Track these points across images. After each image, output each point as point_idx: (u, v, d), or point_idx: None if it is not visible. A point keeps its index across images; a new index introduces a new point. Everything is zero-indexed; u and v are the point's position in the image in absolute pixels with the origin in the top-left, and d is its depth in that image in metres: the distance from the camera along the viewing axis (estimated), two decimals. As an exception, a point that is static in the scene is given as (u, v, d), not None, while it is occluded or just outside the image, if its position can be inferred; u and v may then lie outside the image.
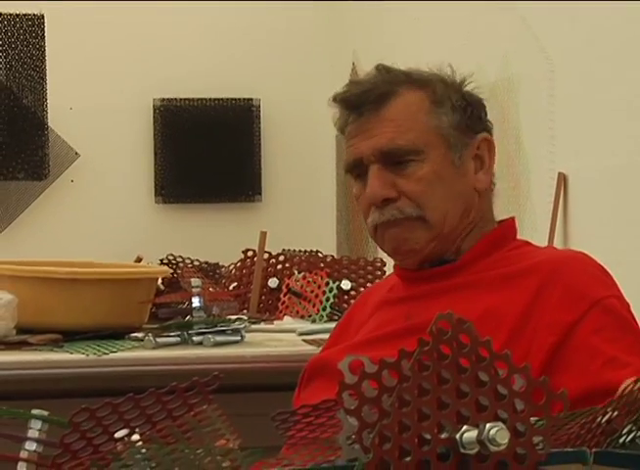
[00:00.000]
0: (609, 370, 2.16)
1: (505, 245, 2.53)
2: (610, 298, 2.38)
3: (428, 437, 1.20)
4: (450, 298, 2.40)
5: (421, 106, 2.49)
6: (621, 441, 1.44)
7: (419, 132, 2.46)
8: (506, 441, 1.19)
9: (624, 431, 1.44)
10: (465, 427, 1.19)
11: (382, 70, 2.56)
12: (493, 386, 1.23)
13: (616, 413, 1.46)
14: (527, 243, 2.62)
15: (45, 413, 1.78)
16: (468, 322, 1.25)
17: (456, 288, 2.45)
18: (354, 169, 2.51)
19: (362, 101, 2.49)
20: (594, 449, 1.40)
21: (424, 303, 2.44)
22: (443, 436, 1.20)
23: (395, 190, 2.44)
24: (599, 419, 1.47)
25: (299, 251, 4.90)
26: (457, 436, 1.19)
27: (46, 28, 13.05)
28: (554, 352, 2.23)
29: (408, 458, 1.19)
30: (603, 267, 2.47)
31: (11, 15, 12.91)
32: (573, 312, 2.17)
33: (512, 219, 2.64)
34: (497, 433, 1.19)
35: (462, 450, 1.19)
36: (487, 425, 1.19)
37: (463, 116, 2.51)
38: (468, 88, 2.59)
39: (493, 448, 1.19)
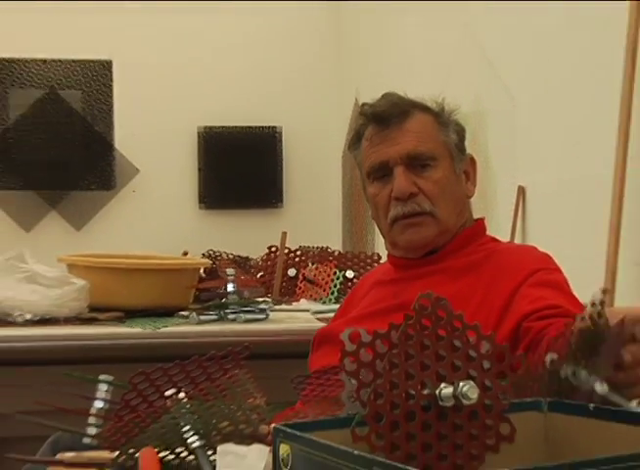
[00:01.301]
0: (531, 303, 2.20)
1: (476, 240, 2.55)
2: (549, 269, 2.42)
3: (413, 393, 1.20)
4: (429, 280, 2.41)
5: (433, 124, 2.52)
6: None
7: (435, 143, 2.49)
8: (476, 396, 1.19)
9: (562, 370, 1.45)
10: (443, 384, 1.19)
11: (391, 95, 2.61)
12: (465, 350, 1.22)
13: (556, 356, 1.45)
14: (493, 239, 2.64)
15: (110, 378, 1.77)
16: (444, 300, 1.25)
17: (434, 273, 2.46)
18: (378, 171, 2.51)
19: (389, 115, 2.50)
20: (548, 399, 1.39)
21: (408, 284, 2.46)
22: (426, 392, 1.20)
23: (417, 188, 2.45)
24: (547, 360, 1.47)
25: (312, 247, 4.90)
26: (437, 392, 1.19)
27: (113, 71, 13.05)
28: (503, 313, 2.26)
29: (397, 410, 1.18)
30: (549, 256, 2.48)
31: (86, 60, 12.95)
32: (516, 280, 2.17)
33: (482, 220, 2.68)
34: (468, 389, 1.19)
35: (441, 403, 1.19)
36: (461, 383, 1.19)
37: (459, 137, 2.57)
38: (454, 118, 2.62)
39: (466, 402, 1.19)
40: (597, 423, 1.31)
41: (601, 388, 1.44)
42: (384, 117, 2.51)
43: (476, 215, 2.72)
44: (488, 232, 2.68)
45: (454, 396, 1.19)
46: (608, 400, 1.42)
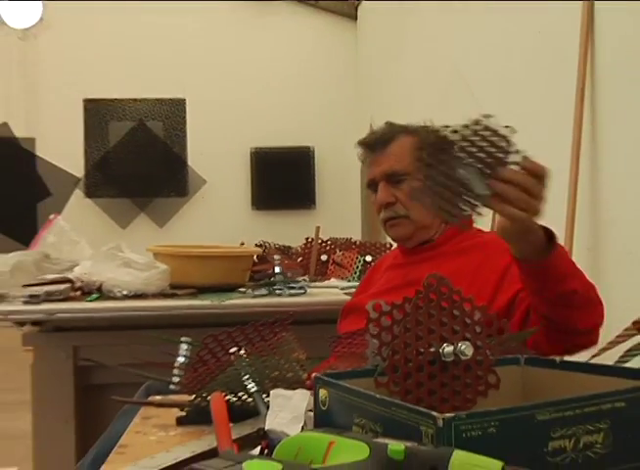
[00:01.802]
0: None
1: (464, 231, 2.52)
2: None
3: (422, 350, 1.19)
4: (431, 263, 2.42)
5: (410, 146, 2.49)
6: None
7: (408, 162, 2.46)
8: (470, 353, 1.18)
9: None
10: (445, 344, 1.18)
11: (387, 124, 2.64)
12: (462, 318, 1.21)
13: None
14: (479, 230, 2.64)
15: (189, 339, 1.77)
16: (446, 279, 1.24)
17: (434, 257, 2.47)
18: (371, 186, 2.54)
19: (375, 143, 2.54)
20: (525, 356, 1.39)
21: (414, 267, 2.47)
22: (432, 350, 1.18)
23: (394, 197, 2.47)
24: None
25: (339, 237, 4.90)
26: (440, 350, 1.18)
27: (186, 106, 13.07)
28: (499, 286, 2.25)
29: (410, 364, 1.17)
30: None
31: (166, 99, 12.97)
32: (506, 259, 2.15)
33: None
34: (465, 348, 1.17)
35: (443, 359, 1.18)
36: (459, 343, 1.18)
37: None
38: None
39: (462, 358, 1.17)
40: (563, 374, 1.31)
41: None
42: (371, 145, 2.56)
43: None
44: (475, 225, 2.69)
45: (454, 353, 1.18)
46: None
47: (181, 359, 1.79)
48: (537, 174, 1.76)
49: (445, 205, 1.52)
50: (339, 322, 2.59)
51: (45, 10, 13.09)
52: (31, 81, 12.99)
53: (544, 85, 5.50)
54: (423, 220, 2.49)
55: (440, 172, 1.51)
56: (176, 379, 1.78)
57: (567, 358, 1.34)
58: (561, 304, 1.79)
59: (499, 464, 0.92)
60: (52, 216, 4.03)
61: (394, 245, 2.83)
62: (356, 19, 12.94)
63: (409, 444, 0.95)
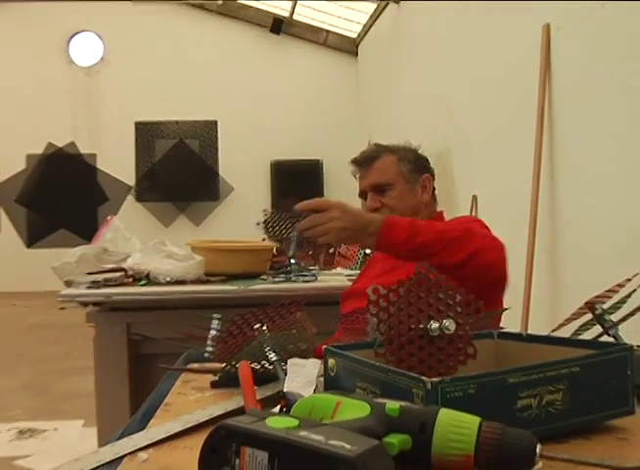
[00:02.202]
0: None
1: None
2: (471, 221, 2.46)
3: (413, 327, 1.17)
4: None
5: (392, 162, 2.57)
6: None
7: (391, 175, 2.54)
8: (453, 328, 1.16)
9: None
10: (432, 321, 1.17)
11: (374, 145, 2.67)
12: (446, 300, 1.20)
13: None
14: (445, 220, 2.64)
15: (219, 315, 1.76)
16: (432, 268, 1.22)
17: None
18: (362, 195, 2.61)
19: (362, 161, 2.61)
20: (497, 331, 1.38)
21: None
22: (421, 326, 1.17)
23: (380, 203, 2.53)
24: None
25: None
26: (428, 326, 1.17)
27: (218, 126, 13.08)
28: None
29: (403, 337, 1.16)
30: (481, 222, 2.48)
31: (201, 121, 13.01)
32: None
33: (441, 212, 2.69)
34: (449, 324, 1.16)
35: (431, 333, 1.16)
36: (444, 320, 1.16)
37: (414, 165, 2.60)
38: (420, 151, 2.69)
39: (446, 332, 1.16)
40: (529, 345, 1.31)
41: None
42: (359, 163, 2.61)
43: (445, 213, 2.71)
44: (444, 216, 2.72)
45: (439, 328, 1.16)
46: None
47: (213, 332, 1.79)
48: (317, 209, 1.95)
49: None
50: (341, 304, 2.58)
51: (105, 51, 13.14)
52: (93, 108, 13.02)
53: (511, 108, 5.48)
54: None
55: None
56: (209, 349, 1.78)
57: (531, 332, 1.33)
58: (421, 256, 1.89)
59: (478, 419, 0.93)
60: (109, 217, 4.03)
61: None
62: (357, 54, 12.95)
63: (403, 403, 0.95)
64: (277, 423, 0.80)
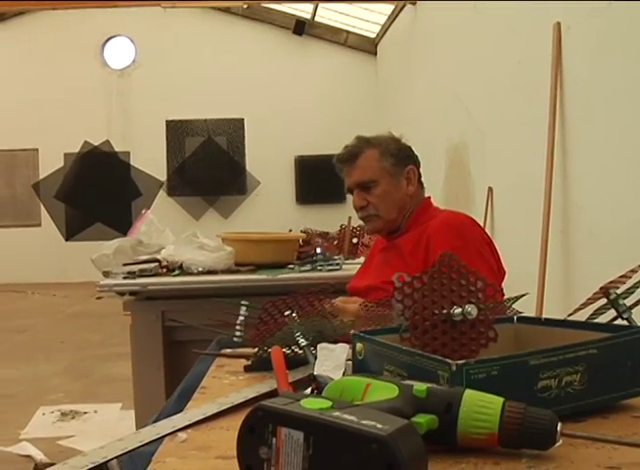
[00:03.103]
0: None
1: (424, 212, 2.52)
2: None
3: (436, 312, 1.17)
4: (402, 243, 2.45)
5: (374, 157, 2.50)
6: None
7: (374, 171, 2.49)
8: (475, 313, 1.16)
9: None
10: (455, 306, 1.17)
11: (356, 139, 2.57)
12: (468, 286, 1.19)
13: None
14: (437, 208, 2.60)
15: (247, 303, 1.77)
16: (455, 256, 1.21)
17: (404, 239, 2.46)
18: (350, 191, 2.55)
19: (346, 159, 2.54)
20: (517, 315, 1.37)
21: (393, 247, 2.50)
22: (444, 311, 1.17)
23: (366, 201, 2.49)
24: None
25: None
26: (451, 311, 1.16)
27: (245, 123, 13.10)
28: (425, 257, 2.31)
29: (427, 323, 1.16)
30: (470, 221, 2.46)
31: (229, 118, 13.04)
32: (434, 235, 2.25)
33: (426, 199, 2.60)
34: (471, 309, 1.16)
35: (453, 319, 1.16)
36: (466, 306, 1.16)
37: (396, 158, 2.51)
38: (403, 140, 2.60)
39: (469, 317, 1.16)
40: (547, 329, 1.30)
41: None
42: (343, 160, 2.55)
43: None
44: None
45: (462, 314, 1.16)
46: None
47: (241, 318, 1.81)
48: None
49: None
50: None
51: (137, 54, 13.19)
52: (127, 108, 13.08)
53: (524, 102, 5.45)
54: (389, 216, 2.50)
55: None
56: (238, 334, 1.79)
57: (549, 317, 1.33)
58: None
59: (501, 399, 0.93)
60: (144, 211, 4.05)
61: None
62: (376, 54, 12.92)
63: (430, 385, 0.95)
64: (311, 404, 0.80)
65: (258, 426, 0.80)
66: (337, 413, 0.77)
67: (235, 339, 1.80)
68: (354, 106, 12.97)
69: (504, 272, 2.38)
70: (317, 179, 12.84)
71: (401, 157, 2.52)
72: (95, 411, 4.63)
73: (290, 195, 13.26)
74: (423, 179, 2.59)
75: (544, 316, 1.36)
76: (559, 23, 4.67)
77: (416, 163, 2.57)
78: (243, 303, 1.82)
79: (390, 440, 0.72)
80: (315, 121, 12.98)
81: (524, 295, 1.59)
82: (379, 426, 0.74)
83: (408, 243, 2.41)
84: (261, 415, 0.81)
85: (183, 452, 1.04)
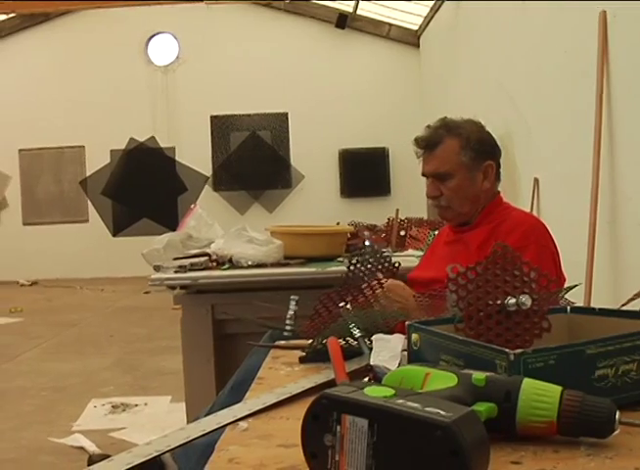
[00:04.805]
0: None
1: (496, 209, 2.49)
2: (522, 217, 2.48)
3: (490, 302, 1.18)
4: (470, 238, 2.44)
5: (453, 150, 2.43)
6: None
7: (451, 164, 2.43)
8: (529, 303, 1.17)
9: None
10: (509, 297, 1.17)
11: (441, 121, 2.52)
12: (521, 277, 1.20)
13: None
14: (508, 206, 2.56)
15: (297, 297, 1.79)
16: (509, 247, 1.22)
17: (472, 234, 2.45)
18: (425, 176, 2.51)
19: (425, 145, 2.48)
20: (571, 306, 1.37)
21: (460, 241, 2.49)
22: (498, 302, 1.18)
23: (439, 191, 2.46)
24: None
25: (413, 217, 4.87)
26: (505, 301, 1.17)
27: (289, 118, 13.14)
28: None
29: (481, 313, 1.17)
30: (542, 226, 2.43)
31: (273, 113, 13.10)
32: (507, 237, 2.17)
33: (498, 195, 2.55)
34: (525, 300, 1.17)
35: (508, 309, 1.17)
36: (520, 296, 1.17)
37: (477, 152, 2.44)
38: (487, 129, 2.54)
39: (523, 307, 1.17)
40: (601, 318, 1.30)
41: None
42: (422, 145, 2.49)
43: (509, 198, 2.64)
44: (517, 205, 2.64)
45: (516, 304, 1.17)
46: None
47: (291, 312, 1.82)
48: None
49: None
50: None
51: (180, 50, 13.29)
52: (171, 104, 13.18)
53: (569, 92, 5.39)
54: (461, 209, 2.47)
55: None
56: (288, 327, 1.81)
57: (603, 307, 1.33)
58: None
59: (559, 388, 0.94)
60: (192, 206, 4.09)
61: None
62: (419, 46, 12.85)
63: (488, 374, 0.96)
64: (375, 392, 0.82)
65: (323, 414, 0.82)
66: (400, 401, 0.79)
67: (285, 333, 1.82)
68: (397, 98, 12.94)
69: (564, 280, 2.33)
70: (361, 172, 12.86)
71: (481, 151, 2.47)
72: (145, 404, 4.69)
73: (334, 188, 13.27)
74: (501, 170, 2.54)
75: (598, 307, 1.36)
76: (604, 12, 4.62)
77: (495, 156, 2.52)
78: (293, 297, 1.84)
79: (454, 427, 0.74)
80: (358, 115, 12.97)
81: (576, 285, 1.59)
82: (442, 413, 0.76)
83: (476, 239, 2.39)
84: (326, 403, 0.82)
85: (245, 441, 1.07)
